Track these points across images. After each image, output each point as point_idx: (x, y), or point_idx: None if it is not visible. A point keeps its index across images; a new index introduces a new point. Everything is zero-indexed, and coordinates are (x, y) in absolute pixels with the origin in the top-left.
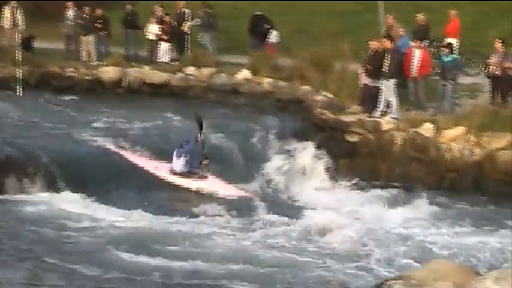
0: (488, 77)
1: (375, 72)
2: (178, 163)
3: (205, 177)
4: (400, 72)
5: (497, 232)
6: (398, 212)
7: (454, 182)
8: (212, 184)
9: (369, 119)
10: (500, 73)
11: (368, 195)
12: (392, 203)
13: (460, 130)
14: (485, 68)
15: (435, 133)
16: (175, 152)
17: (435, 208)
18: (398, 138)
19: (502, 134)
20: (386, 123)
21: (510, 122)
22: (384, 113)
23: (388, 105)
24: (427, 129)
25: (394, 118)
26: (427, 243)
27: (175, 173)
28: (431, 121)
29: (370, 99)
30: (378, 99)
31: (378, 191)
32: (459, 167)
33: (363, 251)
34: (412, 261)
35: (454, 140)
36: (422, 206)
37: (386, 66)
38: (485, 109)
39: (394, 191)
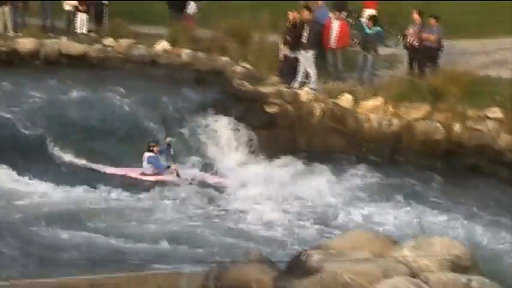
0: (406, 48)
1: (294, 44)
2: (149, 166)
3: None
4: (318, 43)
5: (414, 202)
6: (318, 183)
7: (373, 152)
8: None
9: (288, 90)
10: (417, 44)
11: (287, 166)
12: (312, 174)
13: (378, 101)
14: (403, 39)
15: (354, 104)
16: (147, 156)
17: (354, 179)
18: (317, 109)
19: (419, 104)
20: (305, 94)
21: (427, 92)
22: (303, 84)
23: (307, 76)
24: (345, 100)
25: (312, 89)
26: (345, 214)
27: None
28: (349, 92)
29: (289, 70)
30: (297, 71)
31: (297, 162)
32: (377, 137)
33: (283, 223)
34: (330, 231)
35: (373, 111)
36: (341, 177)
37: (305, 37)
38: (403, 80)
39: (313, 162)
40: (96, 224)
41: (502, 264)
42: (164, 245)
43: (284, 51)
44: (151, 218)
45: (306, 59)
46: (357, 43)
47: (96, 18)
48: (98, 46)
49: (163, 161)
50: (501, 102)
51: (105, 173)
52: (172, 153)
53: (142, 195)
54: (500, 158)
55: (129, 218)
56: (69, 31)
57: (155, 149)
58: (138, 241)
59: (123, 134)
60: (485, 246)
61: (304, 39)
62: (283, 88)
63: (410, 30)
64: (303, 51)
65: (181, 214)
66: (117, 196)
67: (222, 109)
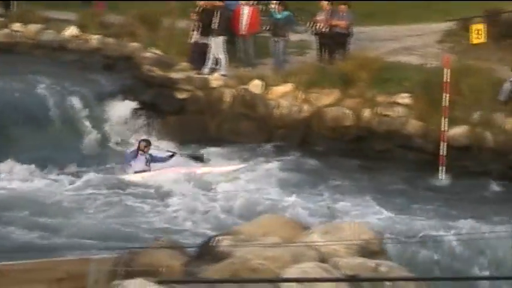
0: (316, 34)
1: (204, 29)
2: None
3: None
4: (229, 29)
5: (324, 187)
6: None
7: (283, 138)
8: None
9: (198, 76)
10: (327, 30)
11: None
12: (222, 159)
13: (288, 87)
14: (313, 25)
15: (264, 90)
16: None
17: (264, 164)
18: (227, 95)
19: (329, 90)
20: (215, 80)
21: (337, 78)
22: (213, 70)
23: (217, 62)
24: (255, 86)
25: (223, 75)
26: (255, 199)
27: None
28: (260, 78)
29: (199, 56)
30: (207, 56)
31: (207, 148)
32: (288, 123)
33: (192, 209)
34: (241, 217)
35: (283, 97)
36: (251, 162)
37: (215, 23)
38: (313, 66)
39: (224, 148)
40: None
41: (411, 249)
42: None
43: (194, 37)
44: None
45: (217, 45)
46: (267, 29)
47: (4, 3)
48: (6, 31)
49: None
50: (410, 88)
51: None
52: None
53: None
54: (409, 143)
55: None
56: None
57: (146, 149)
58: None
59: (30, 120)
60: (394, 231)
61: (214, 25)
62: (193, 74)
63: (320, 17)
64: (213, 37)
65: (104, 206)
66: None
67: (131, 95)
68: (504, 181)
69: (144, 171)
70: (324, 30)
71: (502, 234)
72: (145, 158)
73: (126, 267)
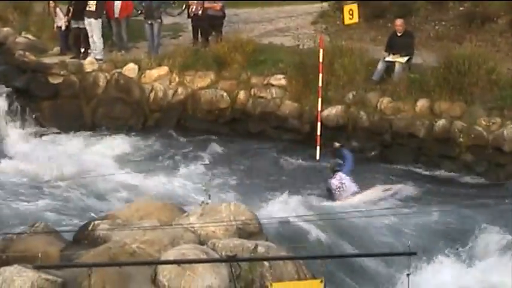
0: (190, 17)
1: (78, 13)
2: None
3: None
4: (104, 12)
5: (201, 169)
6: (104, 152)
7: (159, 121)
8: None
9: (72, 60)
10: (200, 13)
11: (71, 137)
12: (97, 145)
13: (163, 70)
14: (186, 8)
15: (138, 73)
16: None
17: (141, 148)
18: (102, 79)
19: (204, 73)
20: (90, 64)
21: (212, 61)
22: (88, 54)
23: (92, 46)
24: (130, 70)
25: (97, 59)
26: (133, 183)
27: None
28: (134, 61)
29: (74, 40)
30: (82, 40)
31: (82, 133)
32: (163, 106)
33: (65, 195)
34: (118, 201)
35: (158, 80)
36: (128, 146)
37: (92, 5)
38: (188, 49)
39: (99, 132)
40: None
41: (287, 230)
42: None
43: (64, 21)
44: None
45: (94, 28)
46: (140, 12)
47: None
48: None
49: None
50: (285, 69)
51: None
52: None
53: None
54: (285, 124)
55: None
56: None
57: None
58: None
59: None
60: (270, 212)
61: (91, 8)
62: (67, 58)
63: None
64: (90, 20)
65: None
66: None
67: (3, 81)
68: (377, 159)
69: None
70: (197, 13)
71: (378, 212)
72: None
73: (2, 254)
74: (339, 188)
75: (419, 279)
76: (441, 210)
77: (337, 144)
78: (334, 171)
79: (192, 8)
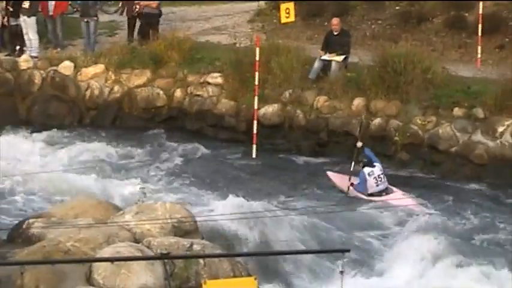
0: (124, 14)
1: (15, 10)
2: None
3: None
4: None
5: (138, 169)
6: (39, 151)
7: (95, 119)
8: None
9: (7, 57)
10: (137, 11)
11: (5, 134)
12: (32, 142)
13: (99, 68)
14: (123, 6)
15: (75, 71)
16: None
17: (76, 146)
18: (38, 77)
19: (140, 71)
20: (25, 61)
21: (149, 59)
22: (23, 52)
23: (27, 43)
24: (66, 68)
25: (33, 56)
26: (68, 182)
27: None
28: (70, 59)
29: (10, 37)
30: (18, 38)
31: (17, 130)
32: (99, 104)
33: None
34: (55, 199)
35: (94, 78)
36: (63, 145)
37: (26, 3)
38: (124, 47)
39: (34, 130)
40: None
41: (223, 228)
42: None
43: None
44: None
45: (28, 26)
46: (76, 10)
47: None
48: None
49: None
50: (221, 67)
51: None
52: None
53: None
54: (221, 122)
55: None
56: None
57: None
58: None
59: None
60: (207, 210)
61: (25, 5)
62: (2, 56)
63: None
64: (24, 18)
65: None
66: None
67: None
68: (313, 157)
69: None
70: (134, 10)
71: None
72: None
73: None
74: (376, 179)
75: (352, 276)
76: (375, 208)
77: (359, 144)
78: (364, 165)
79: (136, 7)
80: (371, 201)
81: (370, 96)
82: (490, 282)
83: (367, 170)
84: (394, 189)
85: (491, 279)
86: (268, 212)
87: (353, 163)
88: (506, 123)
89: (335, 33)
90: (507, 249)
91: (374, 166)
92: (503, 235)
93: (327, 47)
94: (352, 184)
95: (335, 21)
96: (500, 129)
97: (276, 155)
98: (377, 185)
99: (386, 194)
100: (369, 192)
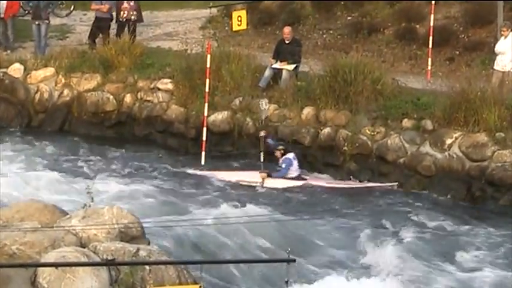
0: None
1: None
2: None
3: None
4: None
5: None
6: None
7: (43, 122)
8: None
9: None
10: (125, 17)
11: None
12: None
13: (49, 71)
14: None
15: (24, 74)
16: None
17: (24, 149)
18: None
19: (90, 75)
20: None
21: (99, 63)
22: None
23: None
24: (15, 70)
25: None
26: (13, 185)
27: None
28: (20, 62)
29: None
30: None
31: None
32: (48, 108)
33: None
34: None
35: (43, 81)
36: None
37: None
38: (74, 50)
39: None
40: None
41: (169, 234)
42: None
43: None
44: None
45: None
46: (27, 12)
47: None
48: None
49: None
50: (172, 73)
51: None
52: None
53: None
54: (170, 129)
55: None
56: None
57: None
58: None
59: None
60: (153, 216)
61: None
62: None
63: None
64: None
65: None
66: None
67: None
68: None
69: None
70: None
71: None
72: None
73: None
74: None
75: (298, 287)
76: (323, 218)
77: (262, 133)
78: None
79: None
80: (293, 185)
81: (320, 106)
82: None
83: (291, 155)
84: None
85: None
86: (215, 220)
87: (262, 153)
88: (455, 135)
89: (286, 42)
90: (448, 257)
91: (290, 151)
92: (446, 247)
93: (278, 56)
94: (268, 174)
95: (287, 29)
96: (449, 141)
97: (225, 162)
98: (297, 167)
99: (302, 177)
100: (293, 176)
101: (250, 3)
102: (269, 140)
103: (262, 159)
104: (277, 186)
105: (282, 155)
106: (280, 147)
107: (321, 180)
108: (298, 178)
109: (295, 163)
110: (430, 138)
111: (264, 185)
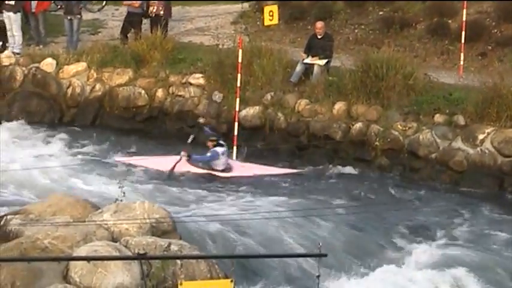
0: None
1: None
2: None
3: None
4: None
5: (117, 166)
6: (18, 148)
7: (75, 117)
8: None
9: None
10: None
11: None
12: (12, 139)
13: (81, 66)
14: (105, 4)
15: (56, 69)
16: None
17: (57, 144)
18: (19, 73)
19: (122, 70)
20: (7, 58)
21: (131, 58)
22: (5, 48)
23: (10, 39)
24: (48, 65)
25: (15, 53)
26: (46, 179)
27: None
28: (52, 56)
29: None
30: (1, 34)
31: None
32: (80, 102)
33: None
34: (34, 196)
35: (75, 76)
36: (44, 143)
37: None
38: (106, 45)
39: (14, 127)
40: None
41: (201, 229)
42: None
43: None
44: None
45: (13, 22)
46: (58, 7)
47: None
48: None
49: None
50: (203, 68)
51: None
52: None
53: None
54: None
55: None
56: None
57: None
58: None
59: None
60: (185, 211)
61: (10, 2)
62: None
63: None
64: (9, 14)
65: None
66: None
67: None
68: (293, 161)
69: None
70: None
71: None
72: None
73: None
74: (226, 156)
75: (328, 281)
76: (354, 212)
77: (201, 120)
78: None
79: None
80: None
81: (351, 101)
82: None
83: (220, 149)
84: (230, 161)
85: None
86: (246, 214)
87: (192, 136)
88: (487, 130)
89: (318, 37)
90: (480, 255)
91: (223, 145)
92: (478, 243)
93: (310, 50)
94: (189, 155)
95: (319, 24)
96: (481, 136)
97: (256, 157)
98: (225, 161)
99: (231, 168)
100: (220, 169)
101: None
102: (206, 129)
103: (189, 141)
104: (190, 170)
105: (213, 146)
106: (213, 138)
107: (246, 171)
108: (222, 171)
109: (223, 158)
110: (462, 133)
111: (177, 167)
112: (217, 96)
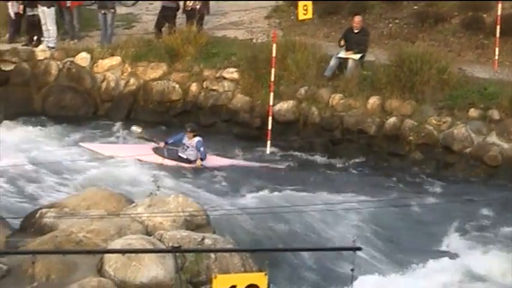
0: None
1: (33, 1)
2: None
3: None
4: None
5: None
6: (52, 142)
7: (109, 111)
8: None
9: (24, 47)
10: (191, 6)
11: (20, 124)
12: (46, 132)
13: (115, 60)
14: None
15: (91, 63)
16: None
17: (90, 137)
18: (54, 67)
19: (156, 64)
20: (42, 52)
21: (165, 52)
22: (40, 42)
23: (45, 34)
24: (82, 59)
25: (50, 47)
26: (81, 172)
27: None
28: (86, 51)
29: (27, 27)
30: (35, 28)
31: (32, 120)
32: (114, 97)
33: (13, 182)
34: (68, 189)
35: (110, 70)
36: (76, 135)
37: None
38: (141, 39)
39: (48, 120)
40: None
41: (234, 223)
42: None
43: (16, 8)
44: None
45: (47, 16)
46: (93, 2)
47: None
48: None
49: None
50: (237, 63)
51: None
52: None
53: None
54: (236, 118)
55: None
56: None
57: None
58: None
59: None
60: (218, 205)
61: None
62: (19, 45)
63: None
64: (43, 8)
65: None
66: None
67: None
68: (327, 155)
69: None
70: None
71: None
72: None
73: None
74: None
75: (363, 275)
76: (388, 206)
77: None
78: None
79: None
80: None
81: (385, 95)
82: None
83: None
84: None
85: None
86: (280, 208)
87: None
88: None
89: (355, 31)
90: None
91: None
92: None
93: (345, 44)
94: (166, 143)
95: (357, 18)
96: None
97: (290, 151)
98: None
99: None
100: (193, 159)
101: None
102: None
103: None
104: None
105: (193, 136)
106: (194, 129)
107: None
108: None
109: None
110: (496, 128)
111: (155, 157)
112: (135, 132)
